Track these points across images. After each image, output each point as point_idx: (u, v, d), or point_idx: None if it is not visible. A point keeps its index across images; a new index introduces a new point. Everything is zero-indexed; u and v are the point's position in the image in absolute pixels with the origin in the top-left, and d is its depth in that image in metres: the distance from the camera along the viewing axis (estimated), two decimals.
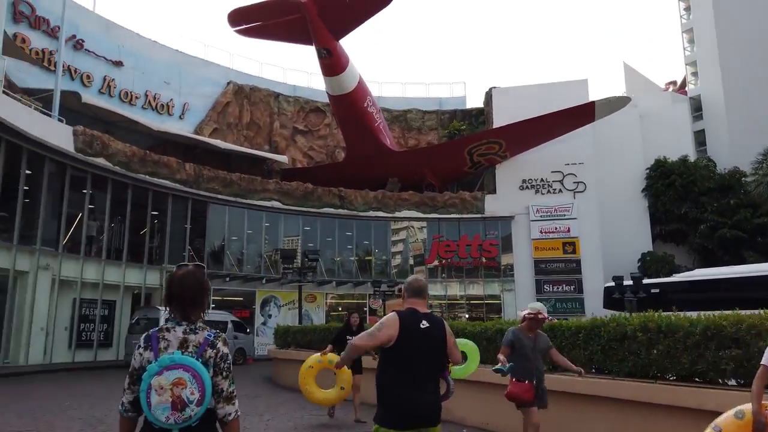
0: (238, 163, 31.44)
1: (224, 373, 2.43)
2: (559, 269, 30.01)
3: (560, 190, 31.17)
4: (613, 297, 20.11)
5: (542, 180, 31.36)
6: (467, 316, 30.04)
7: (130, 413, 2.41)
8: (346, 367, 4.74)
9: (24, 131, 18.51)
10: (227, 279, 26.92)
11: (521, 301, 29.67)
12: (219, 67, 32.86)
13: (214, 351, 2.43)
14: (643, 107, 34.66)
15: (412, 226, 31.80)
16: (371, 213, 31.07)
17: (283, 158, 32.50)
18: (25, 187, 19.77)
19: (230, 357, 2.53)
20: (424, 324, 3.43)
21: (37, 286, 19.55)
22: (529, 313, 5.38)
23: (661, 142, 33.74)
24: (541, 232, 30.49)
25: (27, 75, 23.84)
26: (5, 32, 20.61)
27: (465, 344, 5.64)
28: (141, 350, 2.43)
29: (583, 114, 29.17)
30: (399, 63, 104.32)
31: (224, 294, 27.46)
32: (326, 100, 34.46)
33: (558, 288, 29.86)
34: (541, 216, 30.68)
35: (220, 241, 27.78)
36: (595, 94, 30.56)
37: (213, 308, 25.78)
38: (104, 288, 22.37)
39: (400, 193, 31.85)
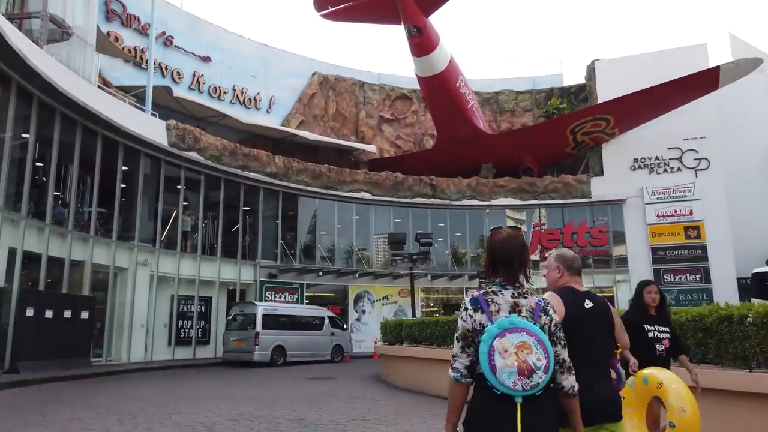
0: (325, 155, 30.63)
1: (562, 342, 2.39)
2: (681, 257, 26.81)
3: (679, 169, 27.87)
4: (766, 284, 17.19)
5: (657, 158, 28.18)
6: None
7: (467, 378, 2.31)
8: (685, 388, 3.92)
9: (120, 125, 18.26)
10: (320, 274, 26.04)
11: None
12: (304, 59, 32.16)
13: (548, 318, 2.37)
14: None
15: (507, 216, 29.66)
16: (465, 202, 29.30)
17: (371, 148, 31.33)
18: (122, 185, 19.62)
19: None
20: (588, 303, 3.04)
21: (137, 283, 19.34)
22: None
23: None
24: (658, 215, 27.38)
25: (121, 74, 23.98)
26: (99, 28, 20.63)
27: None
28: (470, 312, 2.36)
29: (705, 81, 25.80)
30: (487, 42, 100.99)
31: (316, 290, 26.63)
32: (412, 86, 33.00)
33: (680, 278, 26.68)
34: (657, 198, 27.56)
35: (311, 235, 27.00)
36: (699, 67, 26.57)
37: (307, 303, 25.07)
38: (200, 284, 22.01)
39: (495, 179, 29.82)
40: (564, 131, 28.38)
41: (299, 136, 29.05)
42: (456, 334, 2.36)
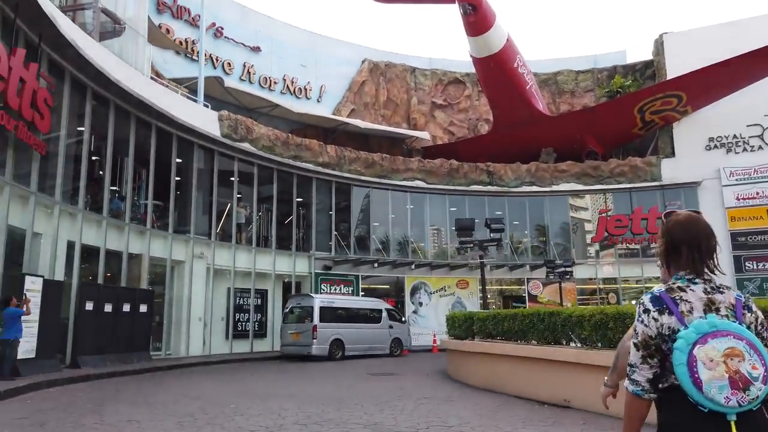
0: (377, 144, 29.89)
1: None
2: (765, 242, 24.70)
3: (760, 147, 25.71)
4: None
5: (735, 136, 26.08)
6: None
7: (650, 394, 1.94)
8: None
9: (173, 116, 18.00)
10: (375, 265, 25.36)
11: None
12: (353, 46, 31.44)
13: (753, 315, 1.94)
14: None
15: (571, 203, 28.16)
16: (524, 188, 27.99)
17: (424, 134, 30.35)
18: (177, 177, 19.41)
19: None
20: None
21: (194, 276, 19.11)
22: None
23: None
24: (737, 198, 25.32)
25: (172, 66, 23.85)
26: (150, 20, 20.45)
27: None
28: (654, 314, 1.93)
29: None
30: (544, 20, 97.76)
31: (371, 282, 25.98)
32: (465, 69, 31.86)
33: (764, 265, 24.59)
34: (736, 180, 25.50)
35: (365, 226, 26.32)
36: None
37: (362, 295, 24.45)
38: (256, 276, 21.68)
39: (556, 164, 28.33)
40: (631, 110, 26.62)
41: (350, 125, 28.39)
42: (634, 341, 1.98)
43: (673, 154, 27.06)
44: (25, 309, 11.06)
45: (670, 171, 26.54)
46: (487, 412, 7.83)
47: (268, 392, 10.07)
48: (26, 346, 11.71)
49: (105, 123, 16.05)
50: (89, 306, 14.16)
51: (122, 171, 17.12)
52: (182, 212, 19.72)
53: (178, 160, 19.50)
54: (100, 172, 16.21)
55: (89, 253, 15.28)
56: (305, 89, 29.24)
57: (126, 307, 15.50)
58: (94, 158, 16.14)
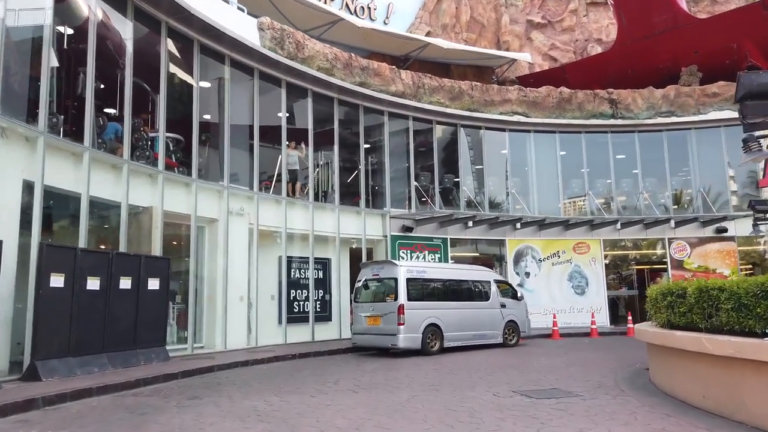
0: (461, 75, 23.81)
1: None
2: None
3: None
4: None
5: None
6: None
7: None
8: None
9: (190, 7, 12.41)
10: (469, 224, 19.46)
11: None
12: None
13: None
14: None
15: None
16: (660, 120, 21.34)
17: (525, 56, 23.89)
18: (206, 116, 14.05)
19: None
20: None
21: (230, 239, 13.73)
22: None
23: None
24: None
25: None
26: None
27: None
28: None
29: None
30: None
31: (461, 245, 20.17)
32: None
33: None
34: None
35: (452, 174, 20.38)
36: None
37: (452, 262, 18.66)
38: (315, 241, 16.22)
39: (702, 86, 21.32)
40: None
41: (428, 49, 22.20)
42: None
43: None
44: None
45: None
46: None
47: None
48: None
49: (82, 8, 10.68)
50: (57, 282, 8.93)
51: (121, 86, 11.74)
52: (212, 152, 14.37)
53: (204, 84, 14.10)
54: (81, 81, 10.81)
55: (60, 202, 10.08)
56: (368, 8, 23.20)
57: (125, 283, 10.27)
58: (66, 59, 10.84)
